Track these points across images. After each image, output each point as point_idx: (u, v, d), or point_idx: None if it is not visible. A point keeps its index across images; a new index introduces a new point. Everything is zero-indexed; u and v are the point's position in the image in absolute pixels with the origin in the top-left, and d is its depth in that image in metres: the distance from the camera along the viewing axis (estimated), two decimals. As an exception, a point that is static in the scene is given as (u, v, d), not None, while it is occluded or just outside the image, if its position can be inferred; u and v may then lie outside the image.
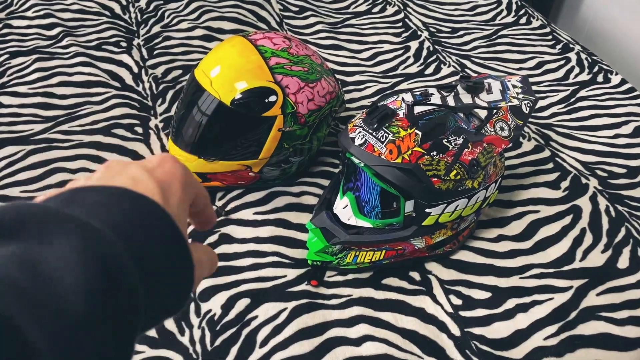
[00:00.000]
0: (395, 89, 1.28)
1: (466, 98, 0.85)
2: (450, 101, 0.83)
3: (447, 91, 0.85)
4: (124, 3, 1.49)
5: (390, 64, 1.36)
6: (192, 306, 0.83)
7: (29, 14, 1.41)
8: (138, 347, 0.77)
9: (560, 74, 1.36)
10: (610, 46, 1.76)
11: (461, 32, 1.50)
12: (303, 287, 0.85)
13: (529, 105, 0.88)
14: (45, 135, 1.08)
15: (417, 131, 0.78)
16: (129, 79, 1.23)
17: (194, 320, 0.81)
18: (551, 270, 0.88)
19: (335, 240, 0.84)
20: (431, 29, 1.50)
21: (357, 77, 1.31)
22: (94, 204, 0.28)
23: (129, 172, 0.32)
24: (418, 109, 0.81)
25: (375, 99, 1.24)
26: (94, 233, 0.25)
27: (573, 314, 0.82)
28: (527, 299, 0.84)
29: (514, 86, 0.90)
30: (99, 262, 0.24)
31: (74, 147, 1.06)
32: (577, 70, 1.37)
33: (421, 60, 1.37)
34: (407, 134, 0.78)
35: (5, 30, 1.35)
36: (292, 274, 0.88)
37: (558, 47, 1.45)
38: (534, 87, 1.30)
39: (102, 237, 0.25)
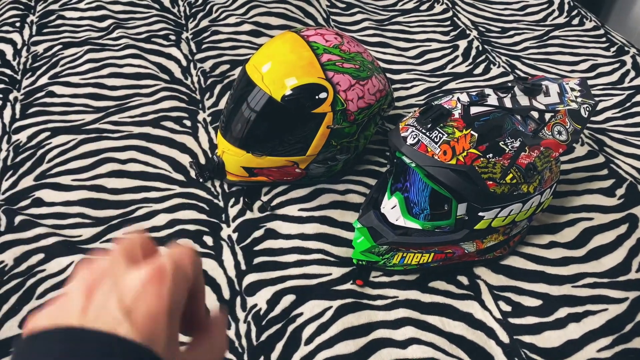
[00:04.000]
0: (443, 88, 1.26)
1: (523, 100, 0.82)
2: (508, 103, 0.81)
3: (504, 92, 0.83)
4: (173, -4, 1.50)
5: (438, 62, 1.34)
6: (238, 300, 0.83)
7: (82, 5, 1.43)
8: (182, 337, 0.77)
9: (614, 77, 1.31)
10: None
11: (511, 32, 1.46)
12: (348, 286, 0.85)
13: (588, 109, 0.86)
14: (96, 125, 1.10)
15: (472, 132, 0.77)
16: (177, 72, 1.25)
17: (240, 314, 0.81)
18: (605, 280, 0.86)
19: (383, 241, 0.83)
20: (480, 28, 1.47)
21: (404, 75, 1.29)
22: None
23: (107, 311, 0.26)
24: (474, 110, 0.79)
25: (422, 97, 1.23)
26: None
27: (628, 327, 0.80)
28: (579, 309, 0.82)
29: (572, 89, 0.88)
30: None
31: (123, 138, 1.07)
32: (632, 74, 1.32)
33: (470, 60, 1.35)
34: (462, 135, 0.77)
35: (58, 22, 1.38)
36: (337, 272, 0.87)
37: (612, 49, 1.41)
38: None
39: None
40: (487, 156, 0.76)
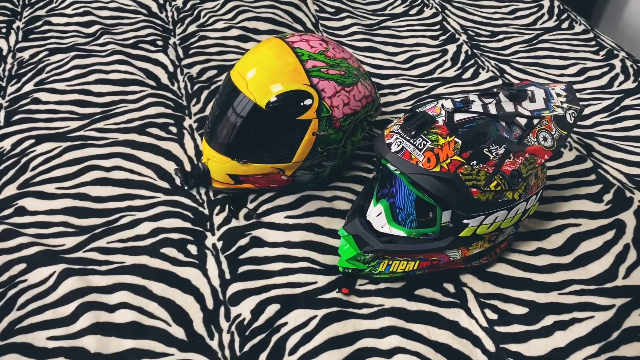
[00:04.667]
0: (432, 93, 1.25)
1: (508, 106, 0.82)
2: (492, 109, 0.81)
3: (489, 98, 0.82)
4: (161, 2, 1.49)
5: (426, 67, 1.34)
6: (222, 310, 0.82)
7: (69, 11, 1.42)
8: (167, 349, 0.77)
9: (603, 81, 1.31)
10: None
11: (500, 36, 1.46)
12: (334, 294, 0.84)
13: (573, 115, 0.85)
14: (81, 132, 1.09)
15: (456, 139, 0.76)
16: (164, 78, 1.24)
17: (224, 325, 0.80)
18: (592, 287, 0.85)
19: (368, 249, 0.82)
20: (469, 32, 1.47)
21: (392, 80, 1.29)
22: None
23: None
24: (458, 117, 0.79)
25: (410, 103, 1.22)
26: None
27: (615, 334, 0.79)
28: (566, 316, 0.81)
29: (558, 95, 0.87)
30: None
31: (109, 145, 1.06)
32: (621, 77, 1.32)
33: (459, 64, 1.34)
34: (446, 142, 0.76)
35: (45, 27, 1.37)
36: (322, 280, 0.86)
37: (602, 53, 1.41)
38: (577, 95, 1.25)
39: None
40: (471, 163, 0.75)
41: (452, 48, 1.40)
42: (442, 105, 0.80)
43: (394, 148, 0.78)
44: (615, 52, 1.41)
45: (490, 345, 0.78)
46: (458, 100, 0.82)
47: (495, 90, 0.85)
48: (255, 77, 0.90)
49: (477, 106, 0.81)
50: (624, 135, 1.15)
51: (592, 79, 1.32)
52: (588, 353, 0.77)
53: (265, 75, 0.90)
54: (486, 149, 0.76)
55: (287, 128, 0.91)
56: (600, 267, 0.88)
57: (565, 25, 1.51)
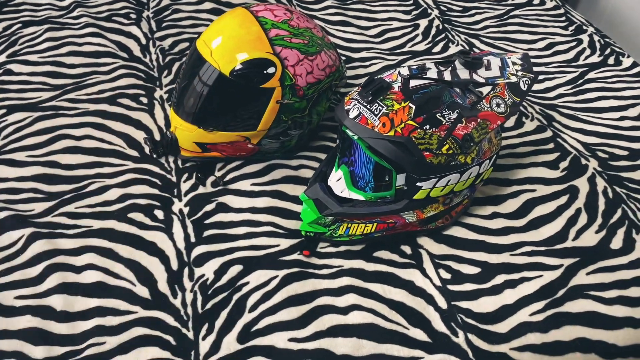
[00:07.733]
0: (401, 66, 1.27)
1: (463, 73, 0.84)
2: (447, 76, 0.83)
3: (445, 66, 0.85)
4: (136, -25, 1.49)
5: (398, 41, 1.36)
6: (186, 270, 0.85)
7: (43, -16, 1.42)
8: (131, 307, 0.80)
9: (570, 55, 1.34)
10: (631, 32, 1.72)
11: (472, 11, 1.48)
12: (295, 256, 0.87)
13: (527, 82, 0.88)
14: (52, 102, 1.11)
15: (410, 104, 0.78)
16: (136, 50, 1.25)
17: (187, 284, 0.83)
18: (542, 249, 0.88)
19: (328, 212, 0.85)
20: (442, 7, 1.48)
21: (363, 54, 1.30)
22: None
23: None
24: (413, 83, 0.81)
25: (379, 75, 1.24)
26: None
27: (561, 292, 0.83)
28: (515, 276, 0.85)
29: (514, 63, 0.90)
30: None
31: (79, 115, 1.08)
32: (588, 52, 1.35)
33: (429, 39, 1.36)
34: (401, 107, 0.78)
35: (18, 0, 1.38)
36: (285, 243, 0.89)
37: (571, 28, 1.43)
38: (542, 68, 1.28)
39: None
40: (424, 127, 0.78)
41: (423, 22, 1.42)
42: (399, 72, 0.83)
43: (352, 114, 0.80)
44: (585, 27, 1.43)
45: (442, 303, 0.82)
46: (414, 67, 0.84)
47: (452, 58, 0.87)
48: (219, 45, 0.92)
49: (432, 73, 0.83)
50: (585, 107, 1.18)
51: (559, 53, 1.34)
52: (534, 309, 0.81)
53: (229, 43, 0.92)
54: (439, 114, 0.79)
55: (251, 96, 0.93)
56: (551, 230, 0.91)
57: (536, 0, 1.53)
